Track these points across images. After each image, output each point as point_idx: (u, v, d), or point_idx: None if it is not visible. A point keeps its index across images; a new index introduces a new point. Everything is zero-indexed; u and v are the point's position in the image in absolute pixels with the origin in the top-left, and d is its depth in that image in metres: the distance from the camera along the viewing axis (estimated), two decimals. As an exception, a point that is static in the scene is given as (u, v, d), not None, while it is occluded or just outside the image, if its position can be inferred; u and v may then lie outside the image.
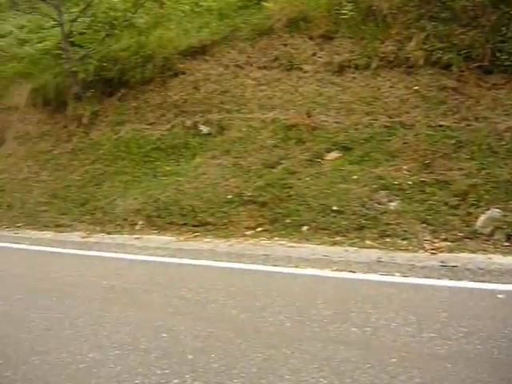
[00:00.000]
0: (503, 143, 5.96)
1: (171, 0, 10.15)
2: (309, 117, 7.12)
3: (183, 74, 9.07)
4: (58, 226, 8.71)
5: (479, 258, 4.77)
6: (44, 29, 11.83)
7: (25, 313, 4.47)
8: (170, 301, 4.33)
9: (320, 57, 7.84)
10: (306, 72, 7.78)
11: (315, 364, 2.93)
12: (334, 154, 6.64)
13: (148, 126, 9.10)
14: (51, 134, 10.63)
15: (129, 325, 3.88)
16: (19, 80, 11.80)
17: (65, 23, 9.88)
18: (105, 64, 9.57)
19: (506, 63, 6.39)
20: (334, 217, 5.87)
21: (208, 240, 6.43)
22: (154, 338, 3.56)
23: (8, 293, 5.14)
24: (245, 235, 6.35)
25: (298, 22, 8.15)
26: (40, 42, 11.51)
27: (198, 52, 9.03)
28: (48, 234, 8.44)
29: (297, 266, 4.98)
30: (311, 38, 8.03)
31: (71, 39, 10.11)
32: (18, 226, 9.22)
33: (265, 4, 8.47)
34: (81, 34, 10.19)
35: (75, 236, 8.02)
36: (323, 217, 5.93)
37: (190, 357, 3.20)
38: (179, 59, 9.11)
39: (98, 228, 8.06)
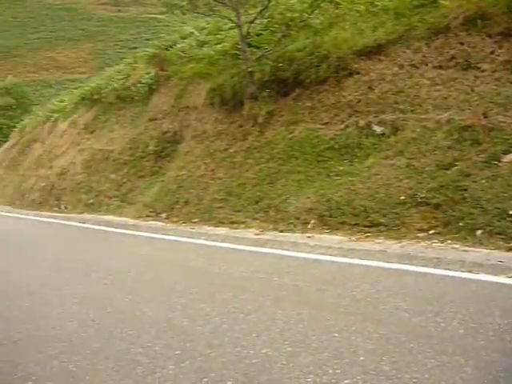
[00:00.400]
0: None
1: (346, 0, 10.70)
2: (485, 117, 7.27)
3: (358, 73, 9.52)
4: (232, 222, 9.67)
5: None
6: (222, 30, 13.20)
7: (201, 306, 5.05)
8: (342, 301, 4.71)
9: (498, 55, 7.92)
10: (483, 71, 7.92)
11: (490, 375, 3.03)
12: (512, 156, 6.75)
13: (322, 126, 9.61)
14: (227, 133, 11.59)
15: (300, 323, 4.27)
16: (198, 80, 13.15)
17: (242, 25, 10.96)
18: (280, 64, 10.41)
19: None
20: (511, 221, 6.04)
21: (379, 241, 6.90)
22: (326, 338, 3.85)
23: (185, 286, 5.85)
24: (417, 237, 6.69)
25: (476, 20, 8.28)
26: (218, 44, 12.77)
27: (373, 52, 9.45)
28: (223, 230, 9.35)
29: (470, 271, 5.25)
30: (489, 36, 8.14)
31: (248, 40, 11.19)
32: (194, 222, 10.41)
33: (442, 2, 8.75)
34: (258, 35, 11.31)
35: (249, 233, 8.81)
36: (499, 221, 6.11)
37: (361, 358, 3.44)
38: (354, 59, 9.58)
39: (271, 226, 8.82)
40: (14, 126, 31.83)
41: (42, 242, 10.99)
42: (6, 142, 31.06)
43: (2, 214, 18.60)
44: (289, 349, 3.78)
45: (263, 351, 3.79)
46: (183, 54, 14.30)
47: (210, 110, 12.51)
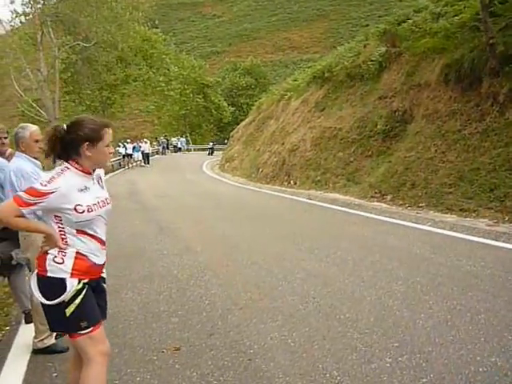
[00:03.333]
0: None
1: None
2: None
3: None
4: (462, 210, 9.11)
5: None
6: (461, 0, 12.27)
7: (423, 298, 4.78)
8: None
9: None
10: None
11: None
12: None
13: None
14: (462, 113, 10.79)
15: (542, 336, 3.77)
16: (431, 56, 12.41)
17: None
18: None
19: None
20: None
21: None
22: None
23: (408, 274, 5.60)
24: None
25: None
26: (456, 15, 11.92)
27: None
28: (451, 218, 8.86)
29: None
30: None
31: (491, 9, 10.15)
32: (421, 206, 9.96)
33: None
34: (502, 2, 10.21)
35: (480, 223, 8.25)
36: None
37: None
38: None
39: (507, 217, 8.16)
40: (253, 105, 33.83)
41: (275, 216, 11.27)
42: (245, 119, 33.06)
43: (240, 186, 19.71)
44: (525, 362, 3.33)
45: (492, 360, 3.42)
46: (416, 29, 13.61)
47: (444, 88, 11.72)
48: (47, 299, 2.69)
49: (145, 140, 38.30)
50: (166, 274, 6.41)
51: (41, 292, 2.71)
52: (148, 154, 37.13)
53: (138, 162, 36.14)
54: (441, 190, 9.98)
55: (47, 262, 2.70)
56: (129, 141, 38.08)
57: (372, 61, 15.37)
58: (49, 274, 2.70)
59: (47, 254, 2.71)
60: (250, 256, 7.10)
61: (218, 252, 7.60)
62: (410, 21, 14.49)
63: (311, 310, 4.73)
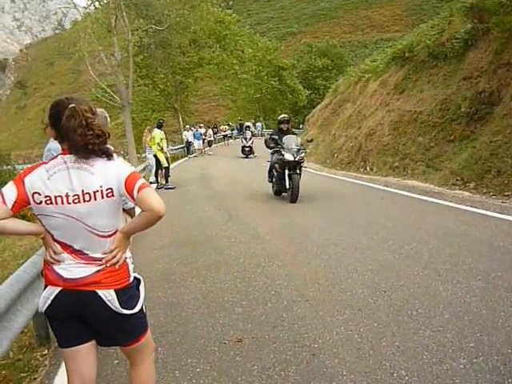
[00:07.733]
0: None
1: None
2: None
3: None
4: None
5: None
6: None
7: (505, 295, 4.57)
8: None
9: None
10: None
11: None
12: None
13: None
14: None
15: None
16: None
17: None
18: None
19: None
20: None
21: None
22: None
23: (489, 268, 5.42)
24: None
25: None
26: None
27: None
28: None
29: None
30: None
31: None
32: (507, 195, 9.59)
33: None
34: None
35: None
36: None
37: None
38: None
39: None
40: (329, 87, 33.36)
41: (348, 204, 11.17)
42: (321, 102, 32.70)
43: (314, 172, 19.51)
44: None
45: None
46: (508, 2, 12.76)
47: (537, 66, 11.02)
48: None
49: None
50: (232, 263, 6.51)
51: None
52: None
53: (198, 152, 34.57)
54: (532, 178, 9.43)
55: None
56: (200, 125, 37.64)
57: (457, 38, 14.66)
58: None
59: None
60: (320, 245, 7.08)
61: (287, 241, 7.62)
62: (501, -7, 13.60)
63: (381, 304, 4.64)
